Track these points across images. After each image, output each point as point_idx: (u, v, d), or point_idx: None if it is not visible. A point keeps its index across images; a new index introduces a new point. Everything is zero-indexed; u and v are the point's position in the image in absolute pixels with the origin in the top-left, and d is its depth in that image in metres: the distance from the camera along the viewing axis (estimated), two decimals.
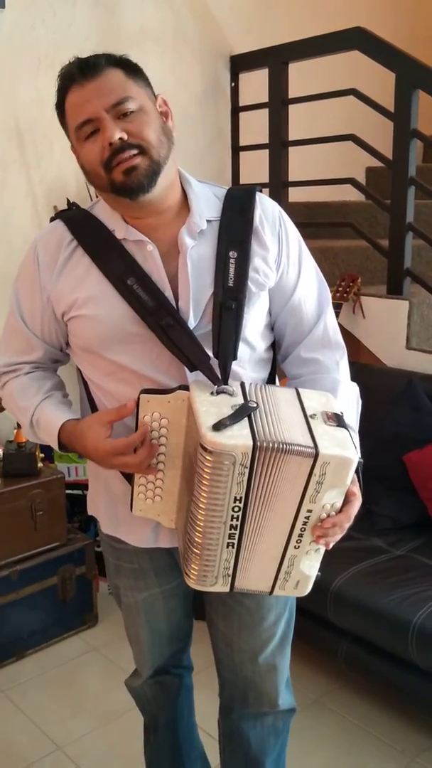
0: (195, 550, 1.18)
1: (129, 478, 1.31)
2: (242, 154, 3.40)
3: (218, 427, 1.10)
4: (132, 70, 1.24)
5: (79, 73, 1.21)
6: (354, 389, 1.39)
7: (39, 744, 2.11)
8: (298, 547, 1.20)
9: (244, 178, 3.40)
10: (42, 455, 2.58)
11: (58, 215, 1.35)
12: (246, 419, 1.13)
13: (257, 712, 1.56)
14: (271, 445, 1.10)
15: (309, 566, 1.23)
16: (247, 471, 1.11)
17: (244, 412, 1.13)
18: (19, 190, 2.80)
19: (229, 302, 1.25)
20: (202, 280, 1.26)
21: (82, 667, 2.48)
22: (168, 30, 3.13)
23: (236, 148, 3.40)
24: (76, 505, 2.84)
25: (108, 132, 1.18)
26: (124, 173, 1.19)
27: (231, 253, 1.27)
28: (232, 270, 1.26)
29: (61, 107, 1.25)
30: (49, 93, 2.89)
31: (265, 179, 3.22)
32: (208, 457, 1.09)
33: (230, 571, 1.21)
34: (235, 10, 3.34)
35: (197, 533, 1.16)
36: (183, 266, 1.26)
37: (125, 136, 1.18)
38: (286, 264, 1.34)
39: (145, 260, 1.26)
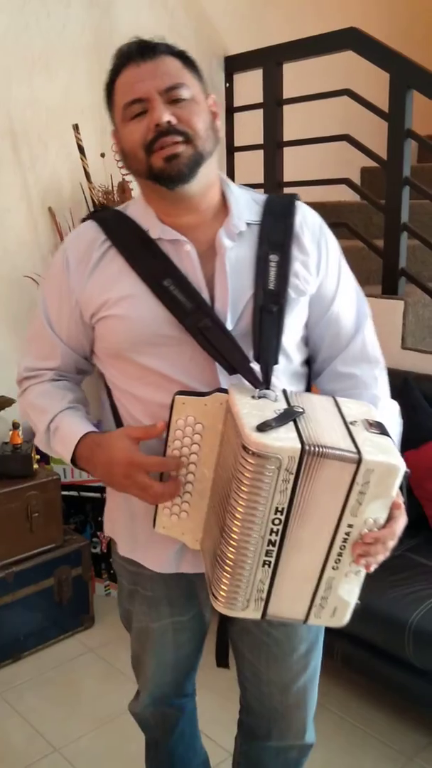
0: (226, 568, 1.07)
1: None
2: (237, 155, 3.40)
3: (263, 428, 1.01)
4: (190, 63, 1.22)
5: (137, 52, 1.18)
6: (394, 407, 1.32)
7: (36, 746, 2.11)
8: (337, 567, 1.09)
9: (239, 179, 3.40)
10: (38, 457, 2.58)
11: (90, 215, 1.31)
12: (292, 423, 1.04)
13: (281, 745, 1.50)
14: (318, 449, 1.01)
15: (348, 591, 1.12)
16: (292, 478, 1.01)
17: (289, 416, 1.06)
18: (13, 191, 2.80)
19: (270, 306, 1.20)
20: (240, 282, 1.21)
21: (78, 668, 2.47)
22: (162, 30, 3.07)
23: (231, 149, 3.40)
24: (72, 506, 2.84)
25: (157, 113, 1.14)
26: (165, 159, 1.15)
27: (271, 257, 1.22)
28: (272, 273, 1.22)
29: (111, 85, 1.22)
30: (43, 93, 2.90)
31: (260, 180, 3.22)
32: (250, 460, 0.99)
33: (264, 594, 1.10)
34: (229, 11, 3.34)
35: (230, 548, 1.05)
36: (221, 267, 1.21)
37: (174, 120, 1.15)
38: (325, 272, 1.29)
39: (181, 261, 1.21)
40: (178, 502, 1.19)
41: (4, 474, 2.49)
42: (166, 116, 1.15)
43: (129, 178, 2.88)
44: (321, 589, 1.11)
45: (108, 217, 1.29)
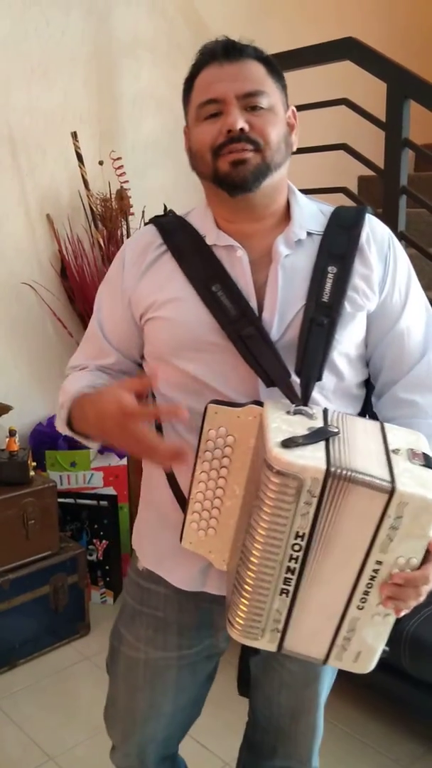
0: (244, 593, 1.00)
1: (184, 505, 1.17)
2: None
3: (288, 444, 0.94)
4: (275, 71, 1.18)
5: (222, 52, 1.15)
6: None
7: (31, 754, 2.10)
8: (362, 608, 1.00)
9: None
10: (34, 464, 2.58)
11: (152, 220, 1.29)
12: (322, 443, 0.97)
13: (283, 765, 1.48)
14: (344, 473, 0.93)
15: (374, 635, 1.02)
16: (315, 501, 0.94)
17: (321, 434, 0.98)
18: (11, 197, 2.81)
19: (321, 318, 1.14)
20: (292, 292, 1.16)
21: (74, 676, 2.46)
22: (161, 38, 3.14)
23: None
24: (68, 513, 2.83)
25: (231, 118, 1.11)
26: (231, 164, 1.13)
27: (330, 268, 1.16)
28: (328, 285, 1.15)
29: (190, 82, 1.19)
30: (42, 101, 2.92)
31: None
32: (272, 478, 0.93)
33: (280, 626, 1.03)
34: (227, 20, 3.35)
35: (249, 572, 0.99)
36: (273, 275, 1.17)
37: (247, 128, 1.12)
38: (390, 289, 1.20)
39: (233, 267, 1.18)
40: (206, 516, 1.13)
41: (1, 481, 2.48)
42: (240, 122, 1.12)
43: (127, 186, 2.93)
44: (343, 629, 1.02)
45: (167, 221, 1.27)
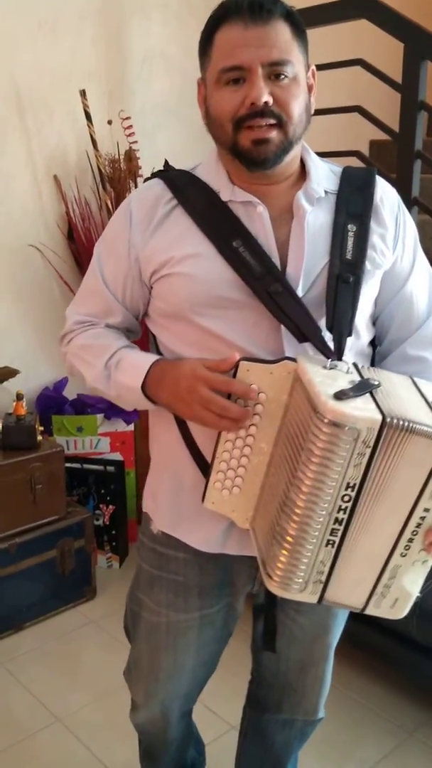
0: (285, 545, 1.00)
1: (204, 467, 1.19)
2: None
3: (340, 396, 0.94)
4: (301, 31, 1.14)
5: (248, 10, 1.08)
6: None
7: (38, 716, 2.11)
8: (405, 555, 1.02)
9: None
10: (41, 428, 2.56)
11: (156, 174, 1.25)
12: (369, 395, 0.98)
13: (289, 718, 1.50)
14: (401, 423, 0.94)
15: (412, 582, 1.05)
16: (368, 452, 0.94)
17: (365, 387, 0.99)
18: (18, 157, 2.75)
19: (346, 275, 1.14)
20: (316, 249, 1.16)
21: (80, 639, 2.48)
22: None
23: None
24: (74, 478, 2.83)
25: (256, 90, 1.08)
26: (253, 142, 1.10)
27: (350, 226, 1.17)
28: (350, 243, 1.16)
29: (210, 35, 1.12)
30: (49, 58, 2.84)
31: None
32: (324, 429, 0.93)
33: (324, 577, 1.03)
34: None
35: (293, 524, 0.98)
36: (298, 231, 1.16)
37: (271, 101, 1.09)
38: (401, 250, 1.23)
39: (252, 223, 1.16)
40: (231, 476, 1.13)
41: (8, 445, 2.47)
42: (265, 96, 1.08)
43: (136, 147, 2.87)
44: (385, 576, 1.04)
45: (175, 175, 1.23)
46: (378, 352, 1.30)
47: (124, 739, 1.92)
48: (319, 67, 3.06)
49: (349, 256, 1.16)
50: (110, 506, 2.83)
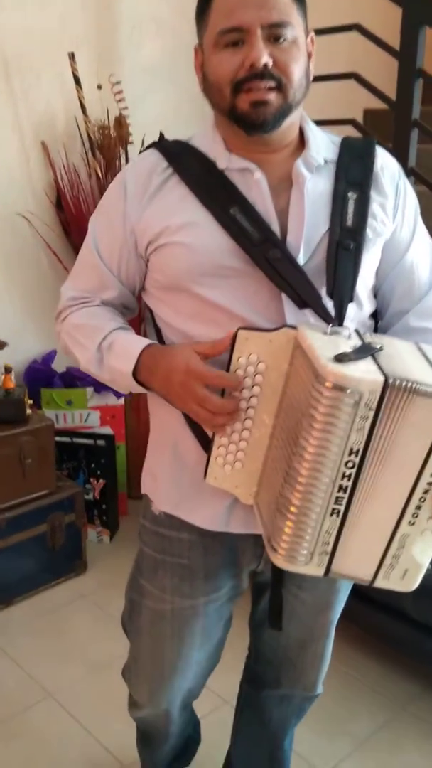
0: (290, 516, 0.98)
1: (205, 443, 1.16)
2: None
3: (341, 358, 0.92)
4: None
5: None
6: None
7: (30, 691, 2.10)
8: (414, 523, 0.99)
9: None
10: (30, 401, 2.52)
11: (152, 144, 1.22)
12: (371, 358, 0.95)
13: (287, 693, 1.49)
14: (404, 383, 0.91)
15: (422, 552, 1.02)
16: (371, 415, 0.92)
17: (367, 350, 0.97)
18: (5, 123, 2.67)
19: (347, 242, 1.13)
20: (316, 217, 1.14)
21: (71, 614, 2.46)
22: None
23: None
24: (64, 452, 2.79)
25: (256, 51, 1.05)
26: (252, 104, 1.08)
27: (350, 194, 1.15)
28: (350, 210, 1.15)
29: (207, 1, 1.10)
30: (37, 21, 2.74)
31: None
32: (325, 393, 0.90)
33: (329, 548, 1.01)
34: None
35: (296, 493, 0.96)
36: (298, 198, 1.14)
37: (270, 63, 1.06)
38: (401, 219, 1.22)
39: (249, 190, 1.14)
40: (233, 450, 1.10)
41: None
42: (265, 57, 1.05)
43: (126, 113, 2.79)
44: (393, 546, 1.01)
45: (170, 144, 1.21)
46: (380, 326, 1.28)
47: (117, 714, 1.91)
48: (315, 33, 3.00)
49: (349, 223, 1.14)
50: (100, 480, 2.80)
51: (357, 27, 2.81)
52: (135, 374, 1.16)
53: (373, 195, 1.18)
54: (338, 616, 1.42)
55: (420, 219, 1.27)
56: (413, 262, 1.24)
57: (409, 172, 2.71)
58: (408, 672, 2.18)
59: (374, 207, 1.18)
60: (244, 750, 1.64)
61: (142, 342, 1.17)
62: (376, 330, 1.27)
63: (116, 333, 1.21)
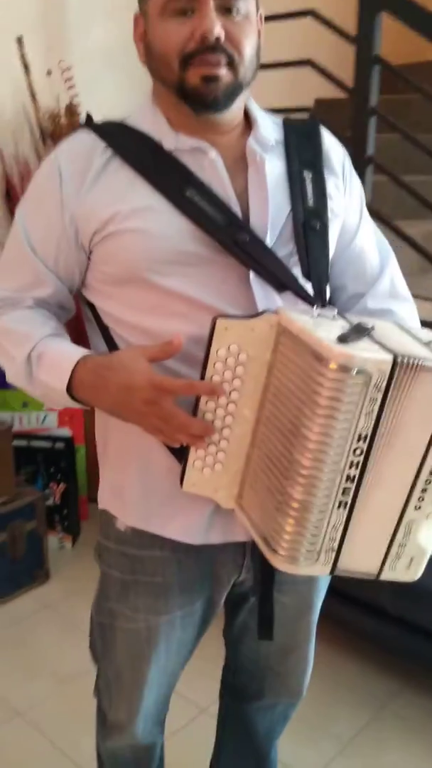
0: (291, 512, 0.91)
1: (178, 449, 1.05)
2: None
3: (344, 339, 0.87)
4: None
5: None
6: None
7: None
8: (420, 507, 0.94)
9: None
10: None
11: (84, 125, 1.10)
12: (368, 338, 0.90)
13: (271, 702, 1.42)
14: (412, 361, 0.86)
15: (427, 538, 0.98)
16: (380, 396, 0.86)
17: (363, 330, 0.91)
18: None
19: (313, 222, 1.07)
20: (276, 198, 1.08)
21: (35, 625, 2.35)
22: None
23: None
24: (22, 456, 2.67)
25: (208, 22, 0.97)
26: (203, 79, 1.00)
27: (305, 173, 1.10)
28: (309, 190, 1.09)
29: None
30: None
31: None
32: (330, 375, 0.84)
33: (336, 543, 0.94)
34: None
35: (298, 487, 0.90)
36: (257, 178, 1.07)
37: (223, 36, 0.99)
38: (349, 200, 1.18)
39: (203, 171, 1.05)
40: (212, 451, 1.01)
41: None
42: (217, 29, 0.98)
43: (78, 100, 2.68)
44: (399, 534, 0.96)
45: (106, 125, 1.10)
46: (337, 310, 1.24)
47: (90, 731, 1.82)
48: (267, 19, 2.93)
49: (311, 203, 1.10)
50: (61, 484, 2.69)
51: (312, 13, 2.76)
52: (70, 390, 1.04)
53: (327, 175, 1.14)
54: (318, 617, 1.35)
55: (364, 202, 1.24)
56: (362, 246, 1.20)
57: (366, 161, 2.68)
58: (386, 669, 2.15)
59: (330, 187, 1.14)
60: (229, 765, 1.56)
61: (76, 353, 1.05)
62: None
63: (47, 341, 1.08)
